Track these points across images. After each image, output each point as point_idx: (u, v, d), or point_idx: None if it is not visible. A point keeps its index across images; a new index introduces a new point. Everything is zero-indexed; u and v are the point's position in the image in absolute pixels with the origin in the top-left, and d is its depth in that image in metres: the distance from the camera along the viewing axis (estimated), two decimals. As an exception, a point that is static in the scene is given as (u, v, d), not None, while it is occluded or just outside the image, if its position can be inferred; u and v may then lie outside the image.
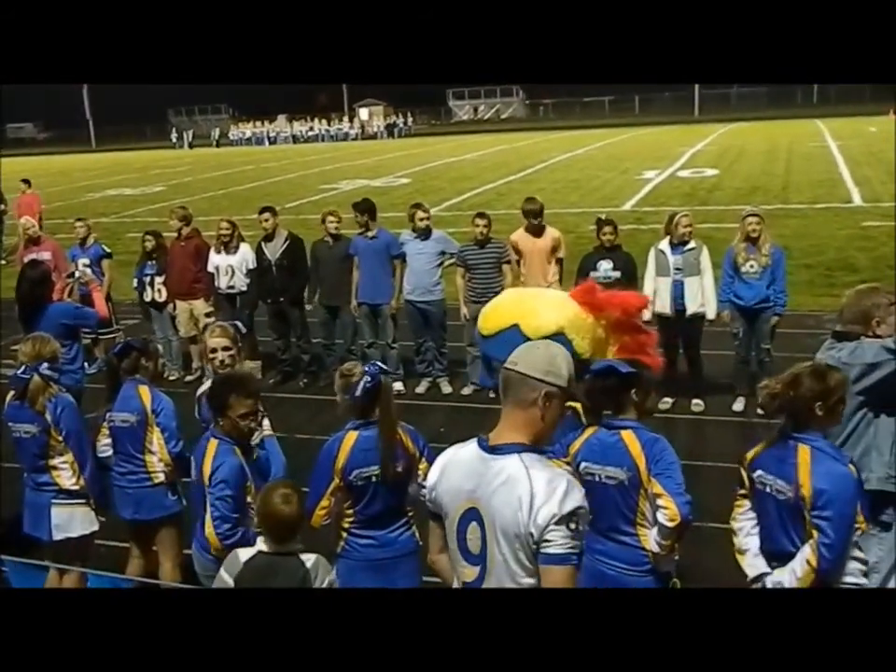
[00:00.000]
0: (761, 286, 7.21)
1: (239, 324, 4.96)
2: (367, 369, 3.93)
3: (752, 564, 3.47)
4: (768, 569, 3.43)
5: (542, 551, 2.45)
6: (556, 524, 2.43)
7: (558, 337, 3.85)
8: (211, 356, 4.62)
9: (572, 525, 2.44)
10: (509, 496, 2.49)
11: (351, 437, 3.82)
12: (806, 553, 3.21)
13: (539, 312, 3.97)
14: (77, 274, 7.37)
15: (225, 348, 4.58)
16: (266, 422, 4.54)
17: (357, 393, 3.78)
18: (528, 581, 2.50)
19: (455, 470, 2.70)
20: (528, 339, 3.84)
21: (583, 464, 3.68)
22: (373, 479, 3.82)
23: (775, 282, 7.22)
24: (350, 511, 3.86)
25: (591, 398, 3.78)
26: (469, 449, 2.70)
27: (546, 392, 2.55)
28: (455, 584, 2.75)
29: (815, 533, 3.20)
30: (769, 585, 3.37)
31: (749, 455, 3.52)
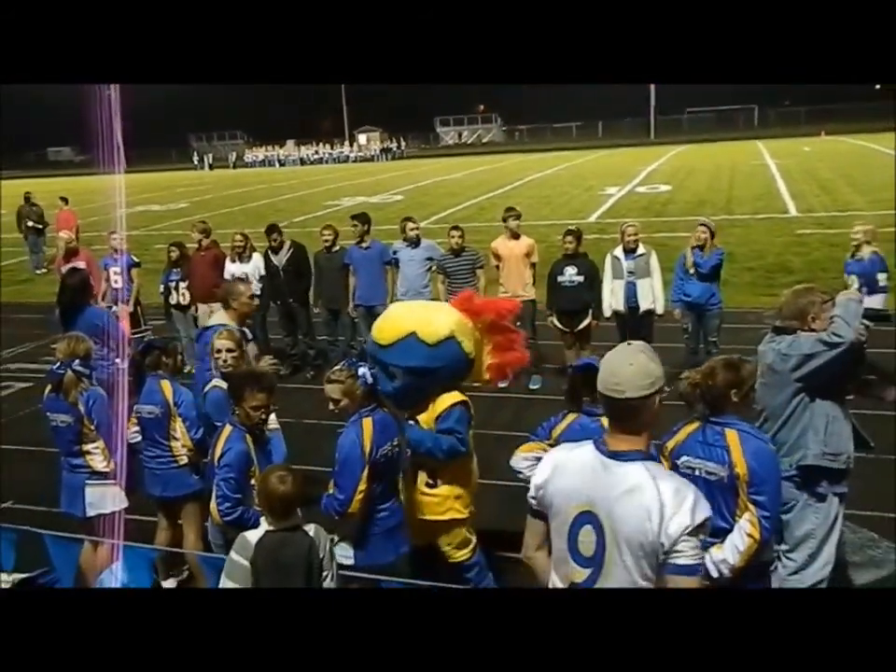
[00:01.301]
0: (705, 285, 7.30)
1: (246, 330, 4.97)
2: (348, 362, 3.96)
3: None
4: None
5: (671, 561, 2.25)
6: (689, 535, 2.24)
7: (450, 340, 3.94)
8: (216, 355, 4.61)
9: (701, 536, 2.28)
10: (635, 505, 2.28)
11: (368, 422, 3.79)
12: (746, 528, 3.16)
13: (432, 319, 4.06)
14: (113, 308, 7.52)
15: (229, 350, 4.58)
16: (273, 416, 4.52)
17: (370, 381, 3.80)
18: (647, 587, 2.30)
19: (569, 472, 2.45)
20: (426, 344, 3.91)
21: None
22: (388, 453, 3.83)
23: (718, 282, 7.31)
24: (374, 489, 3.83)
25: (574, 389, 3.81)
26: (585, 452, 2.46)
27: (655, 397, 2.38)
28: (558, 583, 2.50)
29: (752, 508, 3.16)
30: (708, 565, 3.19)
31: (670, 444, 3.39)
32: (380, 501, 3.87)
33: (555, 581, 2.53)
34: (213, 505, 3.84)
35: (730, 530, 3.24)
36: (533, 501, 2.56)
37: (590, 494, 2.37)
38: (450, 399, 3.97)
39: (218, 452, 3.88)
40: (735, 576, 3.20)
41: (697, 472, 3.29)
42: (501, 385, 6.13)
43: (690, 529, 2.24)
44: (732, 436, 3.23)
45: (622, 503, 2.30)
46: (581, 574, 2.40)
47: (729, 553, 3.21)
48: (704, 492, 3.20)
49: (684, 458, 3.34)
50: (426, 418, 3.97)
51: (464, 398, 4.04)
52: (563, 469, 2.47)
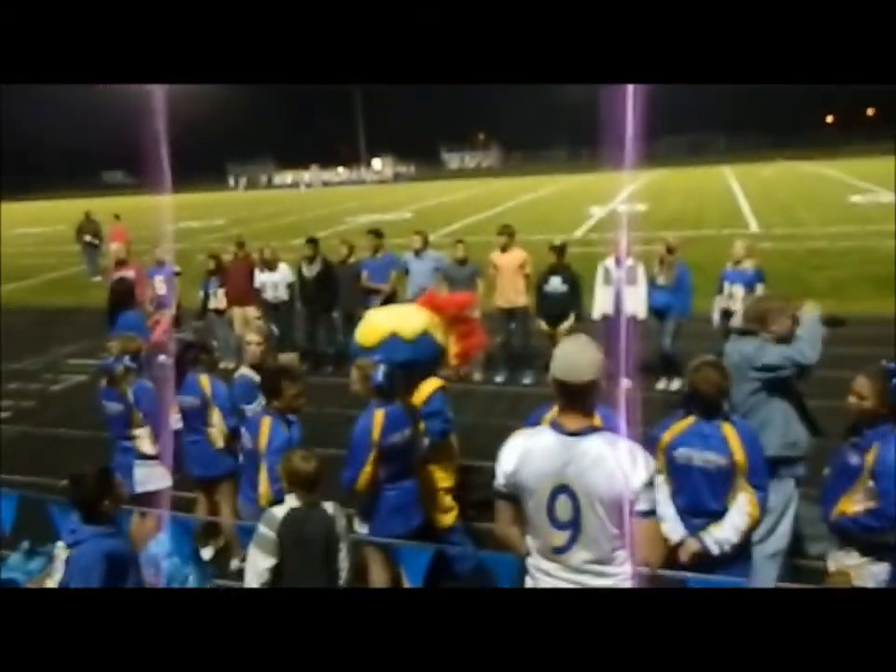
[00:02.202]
0: (666, 294, 7.36)
1: (273, 326, 4.99)
2: (376, 359, 3.90)
3: (675, 529, 3.31)
4: (686, 532, 3.28)
5: (636, 508, 2.37)
6: (647, 485, 2.37)
7: (425, 334, 4.06)
8: (247, 347, 4.66)
9: (652, 484, 2.40)
10: (601, 470, 2.37)
11: (379, 413, 3.77)
12: (746, 508, 3.14)
13: (408, 319, 4.20)
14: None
15: (258, 343, 4.60)
16: None
17: (381, 378, 3.76)
18: (617, 534, 2.42)
19: (537, 457, 2.47)
20: (405, 340, 4.03)
21: None
22: (398, 441, 3.80)
23: (679, 293, 7.33)
24: (381, 472, 3.82)
25: None
26: (545, 436, 2.50)
27: (600, 380, 2.45)
28: (538, 550, 2.55)
29: (750, 489, 3.14)
30: (710, 543, 3.19)
31: (666, 437, 3.33)
32: (391, 482, 3.85)
33: (535, 548, 2.58)
34: (264, 486, 3.83)
35: (723, 512, 3.21)
36: (503, 488, 2.57)
37: (561, 470, 2.42)
38: (431, 385, 4.09)
39: (264, 441, 3.88)
40: (731, 551, 3.19)
41: (695, 462, 3.24)
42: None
43: (646, 481, 2.37)
44: (728, 428, 3.19)
45: (591, 472, 2.38)
46: (560, 537, 2.47)
47: (730, 531, 3.18)
48: (701, 480, 3.24)
49: (682, 450, 3.27)
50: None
51: (442, 383, 4.16)
52: (531, 455, 2.49)
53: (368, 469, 3.73)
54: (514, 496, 2.55)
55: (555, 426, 2.48)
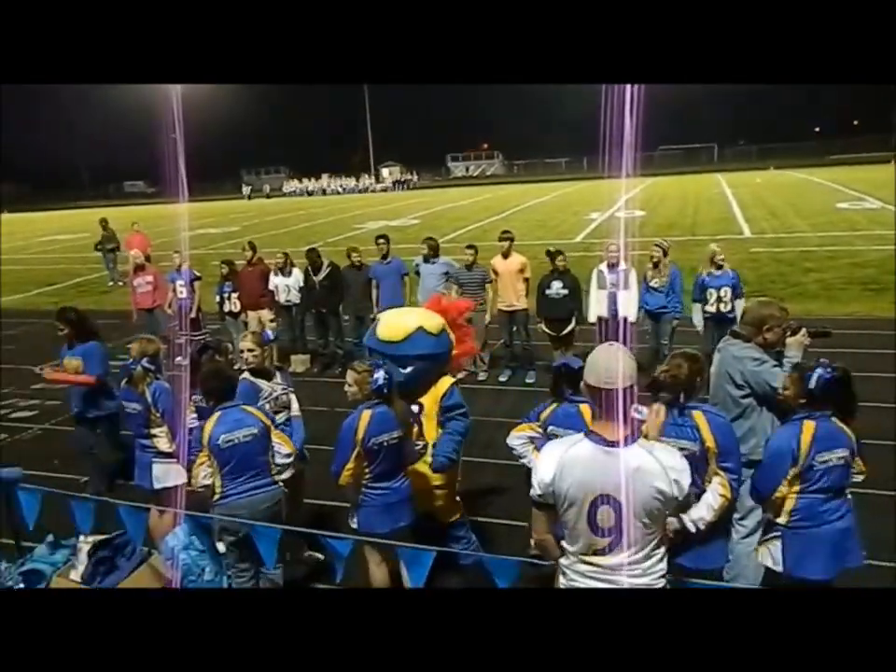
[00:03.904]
0: (661, 296, 7.33)
1: (269, 332, 4.93)
2: (376, 364, 3.87)
3: None
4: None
5: (683, 509, 2.44)
6: (690, 486, 2.39)
7: (444, 331, 4.15)
8: (241, 355, 4.62)
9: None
10: (644, 481, 2.33)
11: (366, 414, 3.72)
12: (719, 490, 3.15)
13: (430, 316, 4.28)
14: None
15: (250, 350, 4.55)
16: (295, 405, 4.51)
17: (381, 382, 3.72)
18: (657, 536, 2.42)
19: (577, 468, 2.39)
20: (431, 334, 4.12)
21: (551, 427, 3.75)
22: (385, 444, 3.74)
23: (672, 294, 7.29)
24: (367, 470, 3.79)
25: (557, 383, 3.88)
26: (584, 447, 2.41)
27: (635, 387, 2.40)
28: (577, 554, 2.50)
29: (722, 473, 3.17)
30: (687, 522, 3.18)
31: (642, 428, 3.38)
32: (377, 480, 3.79)
33: (572, 551, 2.52)
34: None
35: (701, 494, 3.21)
36: (539, 497, 2.49)
37: (603, 481, 2.35)
38: (447, 380, 4.13)
39: (267, 420, 4.01)
40: (706, 529, 3.19)
41: None
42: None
43: (688, 488, 2.38)
44: (699, 416, 3.21)
45: (633, 482, 2.32)
46: (602, 542, 2.43)
47: (705, 511, 3.18)
48: None
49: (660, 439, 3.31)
50: (430, 400, 4.03)
51: (454, 379, 4.21)
52: (570, 466, 2.40)
53: (350, 465, 3.70)
54: (551, 504, 2.49)
55: (593, 436, 2.40)
